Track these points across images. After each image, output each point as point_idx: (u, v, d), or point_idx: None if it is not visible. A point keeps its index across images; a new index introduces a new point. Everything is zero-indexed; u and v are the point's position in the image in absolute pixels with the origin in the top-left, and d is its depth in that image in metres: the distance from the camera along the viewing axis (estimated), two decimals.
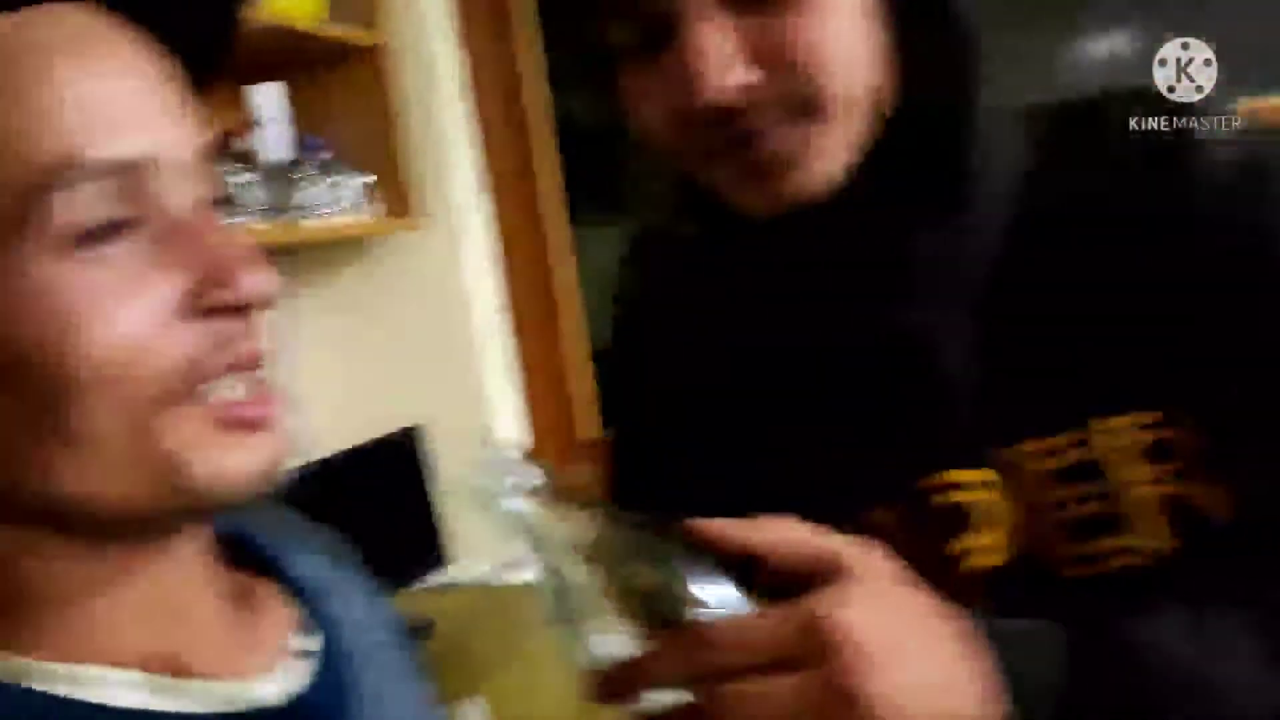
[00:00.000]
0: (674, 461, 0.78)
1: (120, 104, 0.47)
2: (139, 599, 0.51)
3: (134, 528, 0.50)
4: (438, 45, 2.29)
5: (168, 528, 0.52)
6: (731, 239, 0.71)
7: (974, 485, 0.66)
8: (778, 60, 0.59)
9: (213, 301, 0.47)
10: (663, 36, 0.60)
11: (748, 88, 0.59)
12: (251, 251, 0.49)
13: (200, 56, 0.53)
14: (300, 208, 1.94)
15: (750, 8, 0.59)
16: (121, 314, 0.45)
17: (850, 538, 0.52)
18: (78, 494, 0.46)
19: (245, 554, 0.60)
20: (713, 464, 0.75)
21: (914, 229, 0.66)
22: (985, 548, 0.66)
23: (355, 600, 0.64)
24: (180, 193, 0.48)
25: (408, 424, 2.21)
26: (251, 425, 0.49)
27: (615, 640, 0.48)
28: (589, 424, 2.55)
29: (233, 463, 0.48)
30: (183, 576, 0.53)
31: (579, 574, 0.49)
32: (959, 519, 0.66)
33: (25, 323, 0.44)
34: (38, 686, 0.47)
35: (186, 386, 0.47)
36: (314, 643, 0.58)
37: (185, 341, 0.47)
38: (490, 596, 2.22)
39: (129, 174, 0.46)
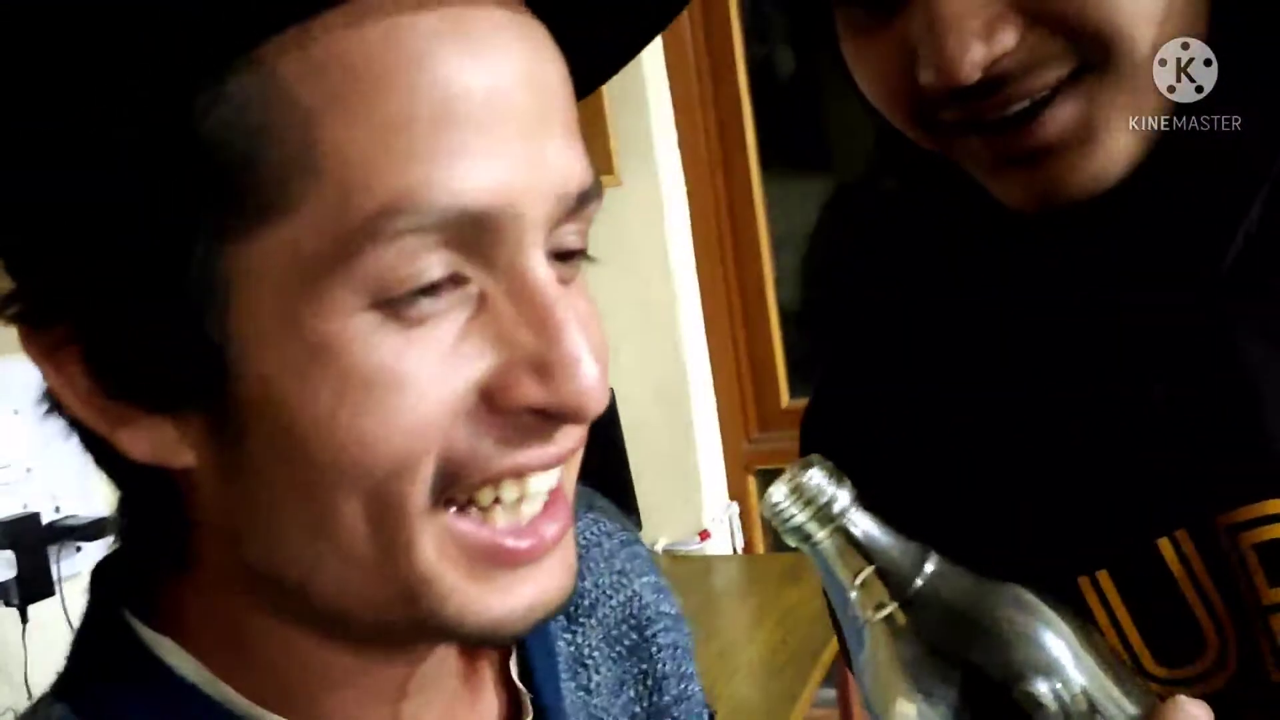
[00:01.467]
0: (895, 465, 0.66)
1: (492, 122, 0.35)
2: (375, 693, 0.45)
3: (387, 639, 0.43)
4: None
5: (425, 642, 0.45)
6: (991, 230, 0.59)
7: None
8: (1053, 13, 0.48)
9: (527, 400, 0.37)
10: None
11: (1016, 52, 0.48)
12: (597, 341, 0.39)
13: (605, 61, 0.43)
14: None
15: None
16: (431, 393, 0.36)
17: None
18: (329, 595, 0.39)
19: None
20: (942, 472, 0.62)
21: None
22: None
23: (598, 643, 0.57)
24: (535, 248, 0.38)
25: None
26: (524, 559, 0.40)
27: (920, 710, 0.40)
28: (780, 389, 2.47)
29: (496, 604, 0.39)
30: (422, 677, 0.46)
31: (897, 630, 0.40)
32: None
33: (309, 385, 0.35)
34: None
35: (455, 488, 0.38)
36: None
37: (472, 434, 0.37)
38: (681, 566, 2.19)
39: (476, 227, 0.36)
